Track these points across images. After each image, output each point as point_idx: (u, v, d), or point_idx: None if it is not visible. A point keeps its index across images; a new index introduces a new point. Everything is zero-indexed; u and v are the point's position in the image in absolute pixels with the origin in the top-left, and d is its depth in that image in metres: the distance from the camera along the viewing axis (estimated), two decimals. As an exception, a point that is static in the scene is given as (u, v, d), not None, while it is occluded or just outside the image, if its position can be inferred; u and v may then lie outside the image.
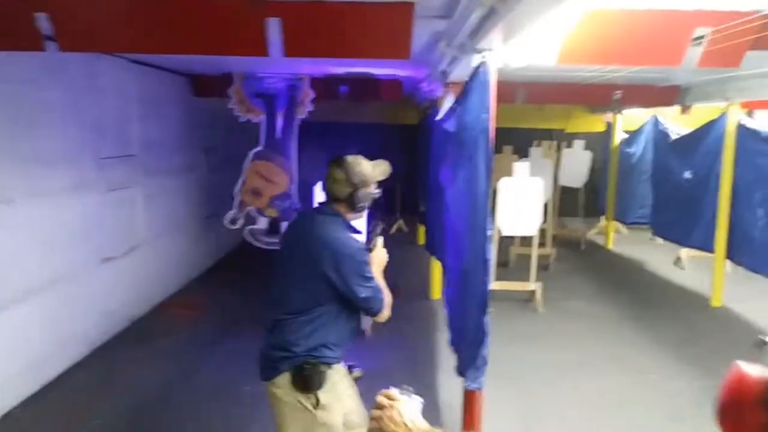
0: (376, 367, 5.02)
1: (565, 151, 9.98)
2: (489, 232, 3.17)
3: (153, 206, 6.49)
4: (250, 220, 7.06)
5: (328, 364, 2.59)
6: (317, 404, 2.57)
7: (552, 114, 11.16)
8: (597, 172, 10.44)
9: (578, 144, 9.88)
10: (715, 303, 6.89)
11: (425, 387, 4.60)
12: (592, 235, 10.54)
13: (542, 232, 7.98)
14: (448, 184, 3.91)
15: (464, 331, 3.49)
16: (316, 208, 2.72)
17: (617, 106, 9.05)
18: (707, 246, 7.11)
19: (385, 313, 2.67)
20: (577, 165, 9.74)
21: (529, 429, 4.18)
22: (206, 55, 4.38)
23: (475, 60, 3.07)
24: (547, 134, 11.27)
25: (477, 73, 3.03)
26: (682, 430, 4.15)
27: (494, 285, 6.63)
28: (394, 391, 1.42)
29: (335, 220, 2.62)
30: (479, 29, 2.81)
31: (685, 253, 8.53)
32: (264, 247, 7.11)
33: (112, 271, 5.65)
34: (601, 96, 7.31)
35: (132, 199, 6.06)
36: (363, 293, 2.53)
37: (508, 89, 7.23)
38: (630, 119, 9.73)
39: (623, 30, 2.95)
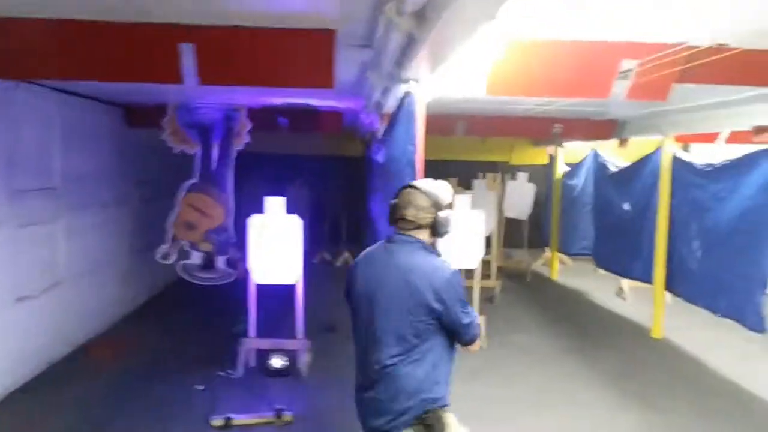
0: (309, 411, 4.78)
1: (509, 183, 10.03)
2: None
3: (77, 241, 6.12)
4: (184, 254, 6.76)
5: (445, 406, 2.42)
6: None
7: (496, 146, 11.25)
8: (541, 204, 10.52)
9: (522, 176, 9.95)
10: (656, 334, 6.91)
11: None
12: (537, 266, 10.56)
13: (487, 264, 7.91)
14: (378, 218, 3.76)
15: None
16: (392, 239, 2.48)
17: (558, 140, 9.17)
18: (647, 277, 7.16)
19: (478, 342, 2.52)
20: (520, 197, 9.79)
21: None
22: (119, 82, 4.15)
23: (402, 90, 2.95)
24: (492, 166, 11.34)
25: (402, 103, 2.92)
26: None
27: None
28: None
29: (419, 246, 2.42)
30: (403, 58, 2.70)
31: (626, 283, 8.59)
32: (198, 283, 6.81)
33: (28, 311, 5.25)
34: (541, 129, 7.37)
35: (52, 234, 5.69)
36: (465, 319, 2.38)
37: (449, 122, 7.22)
38: (572, 152, 9.87)
39: (550, 61, 2.89)
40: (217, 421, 4.46)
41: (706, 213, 6.08)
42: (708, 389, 5.44)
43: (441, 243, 6.57)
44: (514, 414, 4.84)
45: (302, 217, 10.78)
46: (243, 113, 6.60)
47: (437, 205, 2.43)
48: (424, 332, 2.33)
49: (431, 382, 2.35)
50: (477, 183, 8.88)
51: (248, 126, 6.60)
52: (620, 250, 7.88)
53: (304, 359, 5.52)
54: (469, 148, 10.88)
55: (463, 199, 6.45)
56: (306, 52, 2.88)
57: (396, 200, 2.46)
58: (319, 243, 11.12)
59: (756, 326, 5.30)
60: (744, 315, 5.46)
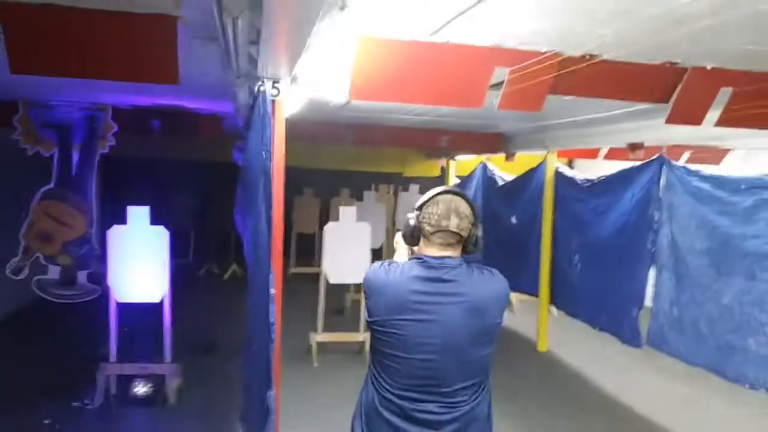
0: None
1: (402, 195, 9.92)
2: (272, 292, 2.69)
3: None
4: (39, 269, 6.04)
5: None
6: None
7: (390, 158, 11.11)
8: (434, 216, 10.46)
9: (413, 188, 9.86)
10: (541, 348, 6.94)
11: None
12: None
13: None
14: (243, 232, 3.41)
15: (250, 406, 2.95)
16: (440, 258, 2.04)
17: (447, 152, 9.14)
18: (534, 290, 7.20)
19: None
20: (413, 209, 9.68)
21: None
22: None
23: (256, 90, 2.63)
24: (386, 178, 11.22)
25: (255, 105, 2.59)
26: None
27: (322, 337, 6.19)
28: None
29: (466, 266, 2.07)
30: (252, 53, 2.38)
31: (515, 297, 8.64)
32: (57, 300, 6.11)
33: None
34: (429, 141, 7.26)
35: None
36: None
37: (337, 130, 6.95)
38: (463, 165, 9.88)
39: (418, 65, 2.66)
40: (58, 463, 3.92)
41: (586, 227, 6.17)
42: (587, 404, 5.46)
43: (326, 255, 6.21)
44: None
45: (187, 226, 10.38)
46: (107, 113, 6.00)
47: (475, 215, 2.13)
48: (487, 365, 2.09)
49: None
50: (367, 195, 8.67)
51: (114, 128, 6.01)
52: (508, 263, 7.86)
53: (173, 385, 5.02)
54: (364, 159, 10.68)
55: (349, 211, 6.20)
56: (143, 40, 2.49)
57: (431, 209, 2.07)
58: (205, 254, 10.51)
59: (632, 341, 5.38)
60: (621, 330, 5.53)
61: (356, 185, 10.55)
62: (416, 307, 1.97)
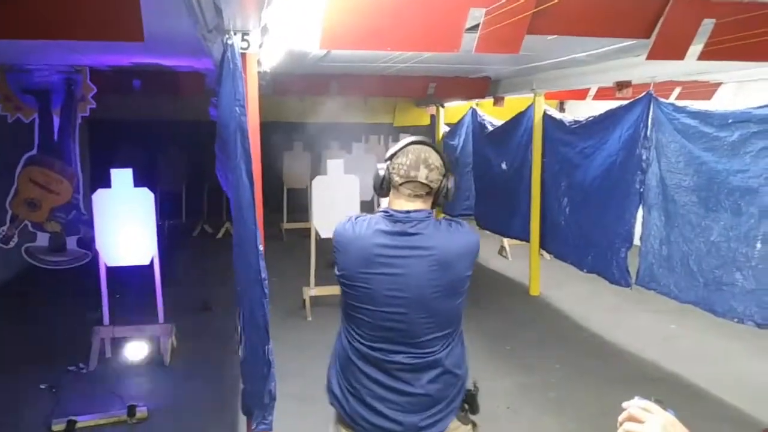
0: (169, 404, 4.37)
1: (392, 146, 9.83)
2: (260, 248, 2.68)
3: None
4: (28, 236, 6.02)
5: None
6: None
7: (379, 108, 10.98)
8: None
9: (403, 138, 9.75)
10: (534, 292, 7.01)
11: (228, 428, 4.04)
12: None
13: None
14: (228, 190, 3.37)
15: (247, 362, 2.98)
16: (406, 212, 2.00)
17: (435, 99, 9.02)
18: (525, 235, 7.22)
19: None
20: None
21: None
22: None
23: (226, 42, 2.56)
24: (375, 128, 11.11)
25: (224, 58, 2.52)
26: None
27: (315, 291, 6.23)
28: (650, 404, 1.04)
29: (434, 220, 2.04)
30: (218, 5, 2.30)
31: (507, 242, 8.69)
32: (47, 267, 6.12)
33: None
34: (416, 88, 7.15)
35: None
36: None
37: (322, 82, 6.84)
38: (452, 111, 9.77)
39: (389, 10, 2.58)
40: (58, 425, 3.96)
41: (575, 170, 6.14)
42: (576, 343, 5.56)
43: (315, 209, 6.19)
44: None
45: (178, 187, 10.31)
46: (85, 75, 5.87)
47: (446, 167, 2.05)
48: (461, 313, 2.08)
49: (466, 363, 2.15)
50: (357, 146, 8.59)
51: (93, 89, 5.88)
52: (499, 209, 7.91)
53: (167, 345, 5.07)
54: (352, 110, 10.54)
55: (336, 164, 6.15)
56: (103, -2, 2.41)
57: (401, 159, 2.01)
58: (197, 214, 10.50)
59: (621, 281, 5.43)
60: (609, 270, 5.57)
61: (346, 137, 10.45)
62: (381, 261, 1.96)
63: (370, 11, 2.59)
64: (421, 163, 1.98)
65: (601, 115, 5.74)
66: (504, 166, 7.72)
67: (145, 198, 4.91)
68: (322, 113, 10.29)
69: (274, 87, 6.82)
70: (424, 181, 1.99)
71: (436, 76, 7.01)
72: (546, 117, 6.65)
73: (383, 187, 2.06)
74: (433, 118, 10.29)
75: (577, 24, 2.90)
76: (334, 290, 6.25)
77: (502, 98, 7.55)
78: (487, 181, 8.31)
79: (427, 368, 2.00)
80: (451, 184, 2.06)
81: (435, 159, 2.02)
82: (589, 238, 5.91)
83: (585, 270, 6.01)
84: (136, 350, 5.02)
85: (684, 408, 1.02)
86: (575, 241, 6.20)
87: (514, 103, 7.93)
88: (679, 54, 3.07)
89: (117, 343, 5.11)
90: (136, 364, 4.99)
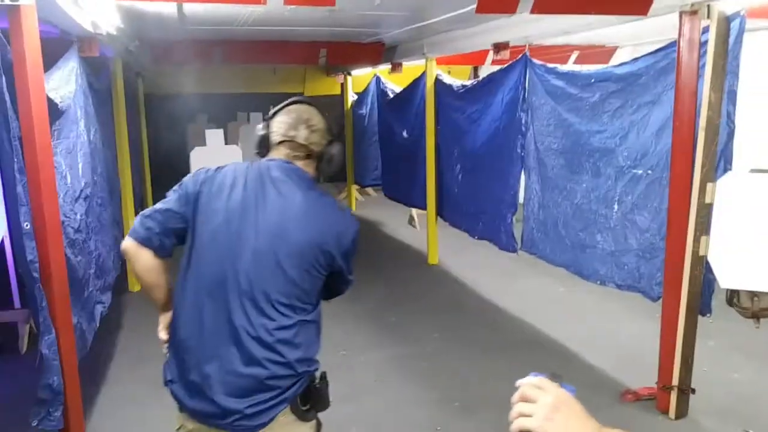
0: (15, 397, 4.07)
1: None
2: (26, 226, 2.42)
3: None
4: None
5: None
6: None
7: (289, 77, 10.66)
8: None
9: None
10: (432, 261, 6.93)
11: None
12: (341, 200, 10.31)
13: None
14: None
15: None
16: (276, 161, 1.85)
17: (338, 67, 8.76)
18: (424, 204, 7.10)
19: None
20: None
21: None
22: None
23: None
24: (287, 98, 10.76)
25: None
26: (363, 403, 3.84)
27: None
28: (543, 380, 0.91)
29: (311, 183, 1.88)
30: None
31: (415, 212, 8.58)
32: None
33: None
34: (306, 54, 6.86)
35: None
36: (352, 276, 1.95)
37: (201, 48, 6.47)
38: (360, 80, 9.53)
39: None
40: None
41: (464, 136, 6.02)
42: (465, 314, 5.48)
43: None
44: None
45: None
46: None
47: (330, 132, 1.94)
48: (312, 292, 1.81)
49: (309, 354, 1.84)
50: (254, 116, 8.24)
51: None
52: (402, 178, 7.77)
53: (24, 332, 4.74)
54: (259, 80, 10.19)
55: (215, 134, 5.87)
56: None
57: (281, 118, 1.89)
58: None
59: (508, 247, 5.37)
60: (498, 236, 5.51)
61: (254, 108, 10.11)
62: None
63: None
64: (301, 123, 1.88)
65: (484, 78, 5.63)
66: (405, 134, 7.57)
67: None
68: (228, 84, 9.93)
69: (152, 56, 6.43)
70: (303, 142, 1.87)
71: (326, 41, 6.75)
72: (437, 82, 6.48)
73: (262, 145, 1.93)
74: (343, 87, 10.03)
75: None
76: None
77: (400, 64, 7.34)
78: (392, 150, 8.15)
79: (260, 343, 1.82)
80: (335, 150, 1.94)
81: (318, 121, 1.91)
82: (479, 204, 5.84)
83: (476, 237, 5.94)
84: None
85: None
86: (467, 208, 6.12)
87: (410, 70, 7.74)
88: (509, 7, 2.92)
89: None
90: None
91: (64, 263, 2.73)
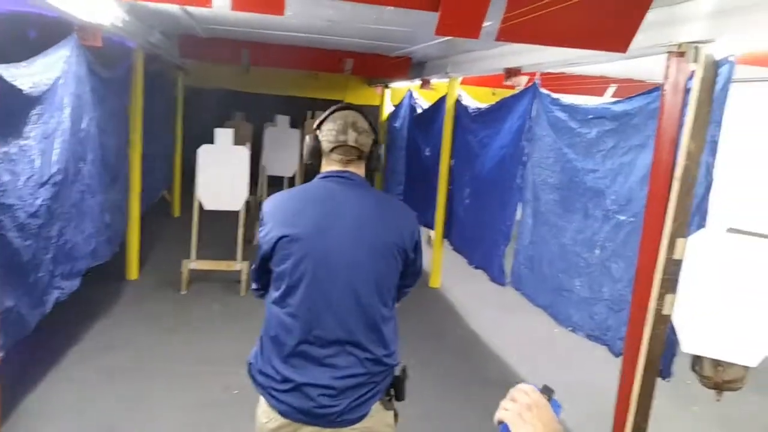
0: None
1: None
2: None
3: None
4: None
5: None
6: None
7: (332, 84, 10.68)
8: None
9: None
10: (433, 284, 6.76)
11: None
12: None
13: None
14: None
15: None
16: (340, 175, 1.99)
17: (383, 79, 8.72)
18: (433, 225, 6.95)
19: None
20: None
21: None
22: None
23: None
24: (328, 105, 10.81)
25: None
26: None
27: (195, 264, 6.01)
28: (531, 388, 1.11)
29: (368, 185, 2.06)
30: None
31: (434, 232, 8.41)
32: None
33: None
34: (331, 62, 6.85)
35: None
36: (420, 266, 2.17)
37: (233, 47, 6.55)
38: (399, 93, 9.45)
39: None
40: None
41: (475, 160, 5.83)
42: (450, 343, 5.31)
43: (200, 180, 5.95)
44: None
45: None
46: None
47: (374, 130, 2.06)
48: (393, 291, 2.02)
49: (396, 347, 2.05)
50: (281, 119, 8.26)
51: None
52: (421, 196, 7.63)
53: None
54: (301, 84, 10.27)
55: (224, 133, 5.90)
56: None
57: (328, 126, 2.00)
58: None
59: (498, 278, 5.16)
60: (491, 267, 5.29)
61: (295, 111, 10.18)
62: None
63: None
64: (349, 126, 1.97)
65: (497, 103, 5.44)
66: (427, 152, 7.44)
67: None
68: (269, 85, 10.05)
69: (180, 50, 6.55)
70: (354, 144, 1.97)
71: (352, 51, 6.71)
72: (458, 103, 6.33)
73: (314, 155, 2.03)
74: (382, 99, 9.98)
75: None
76: (215, 265, 6.04)
77: (428, 81, 7.23)
78: (415, 167, 8.03)
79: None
80: (381, 150, 2.09)
81: (363, 122, 2.01)
82: (479, 231, 5.64)
83: (473, 265, 5.75)
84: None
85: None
86: (470, 234, 5.93)
87: (445, 89, 7.60)
88: (471, 31, 2.76)
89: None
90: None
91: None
